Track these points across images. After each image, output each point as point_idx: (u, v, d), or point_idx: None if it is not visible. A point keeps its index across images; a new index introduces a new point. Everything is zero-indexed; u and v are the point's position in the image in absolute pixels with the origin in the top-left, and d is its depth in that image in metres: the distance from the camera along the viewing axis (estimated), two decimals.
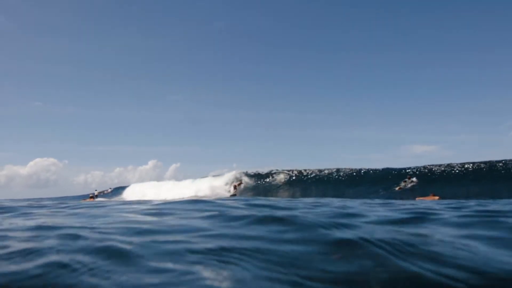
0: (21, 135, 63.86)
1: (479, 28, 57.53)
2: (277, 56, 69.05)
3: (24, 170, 52.89)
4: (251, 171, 26.23)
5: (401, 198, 15.58)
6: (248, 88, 67.00)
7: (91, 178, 56.96)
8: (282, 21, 69.56)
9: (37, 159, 53.77)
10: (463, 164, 20.37)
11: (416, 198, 14.75)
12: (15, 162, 65.27)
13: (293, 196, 21.14)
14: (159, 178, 40.79)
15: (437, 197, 14.48)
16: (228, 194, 23.09)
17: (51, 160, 53.19)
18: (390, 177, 21.18)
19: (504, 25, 54.72)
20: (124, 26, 71.76)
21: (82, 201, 20.57)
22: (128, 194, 28.34)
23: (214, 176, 27.27)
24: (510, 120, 49.71)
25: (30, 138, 63.72)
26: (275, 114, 60.58)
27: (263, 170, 26.18)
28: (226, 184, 25.46)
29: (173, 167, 50.53)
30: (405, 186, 20.00)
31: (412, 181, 20.04)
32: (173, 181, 30.75)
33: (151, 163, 52.10)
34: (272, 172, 25.67)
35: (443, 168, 20.64)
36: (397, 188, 19.94)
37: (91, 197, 23.21)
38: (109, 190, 35.91)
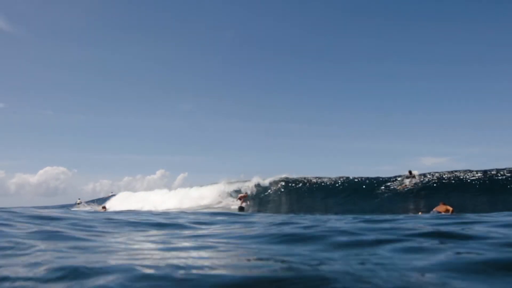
0: (32, 143, 64.96)
1: (488, 42, 56.85)
2: (287, 65, 69.17)
3: (34, 179, 53.91)
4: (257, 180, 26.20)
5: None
6: (258, 98, 67.07)
7: (100, 187, 57.55)
8: (296, 29, 69.65)
9: (47, 168, 54.79)
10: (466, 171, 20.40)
11: (432, 211, 14.80)
12: (25, 171, 66.44)
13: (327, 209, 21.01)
14: (167, 187, 41.45)
15: (450, 208, 14.49)
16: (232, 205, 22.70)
17: (61, 169, 54.15)
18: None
19: None
20: (136, 34, 72.58)
21: (75, 208, 20.06)
22: (126, 204, 27.80)
23: (229, 182, 26.77)
24: None
25: (40, 147, 64.82)
26: (284, 125, 60.52)
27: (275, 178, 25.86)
28: (219, 195, 25.14)
29: (181, 176, 50.95)
30: (410, 182, 20.37)
31: (414, 177, 20.46)
32: (165, 189, 30.83)
33: (159, 172, 52.60)
34: (281, 179, 25.62)
35: (449, 175, 20.65)
36: (400, 187, 20.23)
37: (104, 207, 21.94)
38: (79, 201, 36.19)
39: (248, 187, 25.39)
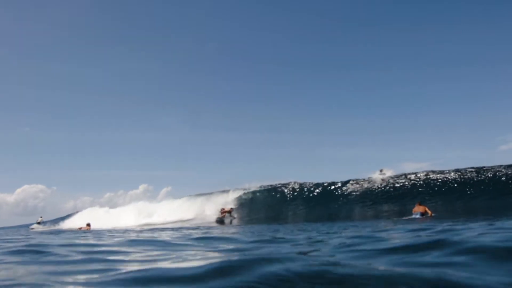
0: (9, 161, 61.88)
1: (477, 42, 59.40)
2: (270, 76, 69.79)
3: (11, 198, 51.38)
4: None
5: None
6: (241, 110, 67.06)
7: (81, 204, 55.73)
8: (278, 39, 70.36)
9: (25, 186, 52.52)
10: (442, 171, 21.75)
11: (413, 210, 15.62)
12: (2, 190, 63.10)
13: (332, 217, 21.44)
14: (150, 202, 40.47)
15: (429, 211, 15.40)
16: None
17: (39, 186, 51.99)
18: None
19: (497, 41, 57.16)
20: (115, 48, 70.86)
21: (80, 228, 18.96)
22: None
23: (222, 191, 26.58)
24: (500, 134, 52.07)
25: (17, 164, 61.87)
26: (267, 135, 61.09)
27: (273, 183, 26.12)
28: (189, 208, 24.70)
29: (164, 190, 50.05)
30: (382, 179, 21.83)
31: (384, 174, 21.72)
32: (133, 203, 29.79)
33: (141, 187, 51.51)
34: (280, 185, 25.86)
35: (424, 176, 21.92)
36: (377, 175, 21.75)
37: (88, 225, 20.34)
38: (40, 219, 34.82)
39: (231, 199, 25.26)
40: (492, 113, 54.01)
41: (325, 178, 25.67)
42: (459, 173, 20.60)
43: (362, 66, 65.85)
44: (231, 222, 20.74)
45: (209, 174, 56.39)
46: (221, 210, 22.87)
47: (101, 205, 30.83)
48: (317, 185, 24.34)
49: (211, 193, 26.65)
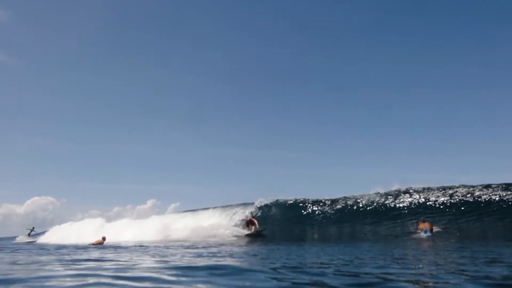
0: (20, 172, 59.93)
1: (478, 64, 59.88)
2: (268, 92, 68.93)
3: (21, 209, 49.28)
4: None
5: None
6: (252, 127, 65.64)
7: (89, 217, 52.97)
8: (286, 55, 69.29)
9: (35, 198, 50.67)
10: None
11: (420, 228, 14.86)
12: (13, 201, 60.95)
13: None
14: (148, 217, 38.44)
15: (430, 227, 14.74)
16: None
17: (49, 198, 50.20)
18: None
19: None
20: (125, 60, 69.35)
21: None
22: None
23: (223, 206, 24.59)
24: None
25: (29, 176, 59.84)
26: (271, 152, 60.01)
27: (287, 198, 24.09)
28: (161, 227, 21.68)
29: (172, 206, 48.45)
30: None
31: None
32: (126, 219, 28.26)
33: (150, 202, 50.16)
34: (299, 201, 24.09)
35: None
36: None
37: (103, 239, 17.80)
38: (29, 231, 34.39)
39: (250, 212, 22.97)
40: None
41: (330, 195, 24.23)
42: (467, 189, 19.87)
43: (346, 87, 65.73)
44: (256, 235, 18.22)
45: (218, 189, 54.58)
46: (245, 220, 20.21)
47: (109, 219, 28.90)
48: (333, 201, 23.11)
49: (206, 209, 25.00)
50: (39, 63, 65.56)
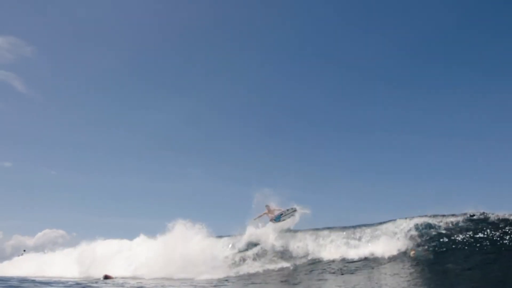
0: (32, 203, 63.01)
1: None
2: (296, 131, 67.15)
3: (31, 241, 51.42)
4: None
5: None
6: (269, 164, 64.03)
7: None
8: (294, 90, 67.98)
9: (46, 230, 52.81)
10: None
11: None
12: (24, 232, 63.26)
13: None
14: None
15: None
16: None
17: (60, 232, 52.24)
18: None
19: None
20: (139, 91, 71.72)
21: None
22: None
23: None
24: None
25: (41, 207, 62.42)
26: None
27: None
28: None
29: None
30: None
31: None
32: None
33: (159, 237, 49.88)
34: None
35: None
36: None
37: (107, 277, 15.83)
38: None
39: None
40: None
41: None
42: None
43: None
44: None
45: (229, 226, 53.57)
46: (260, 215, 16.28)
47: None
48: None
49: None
50: (57, 96, 70.28)
